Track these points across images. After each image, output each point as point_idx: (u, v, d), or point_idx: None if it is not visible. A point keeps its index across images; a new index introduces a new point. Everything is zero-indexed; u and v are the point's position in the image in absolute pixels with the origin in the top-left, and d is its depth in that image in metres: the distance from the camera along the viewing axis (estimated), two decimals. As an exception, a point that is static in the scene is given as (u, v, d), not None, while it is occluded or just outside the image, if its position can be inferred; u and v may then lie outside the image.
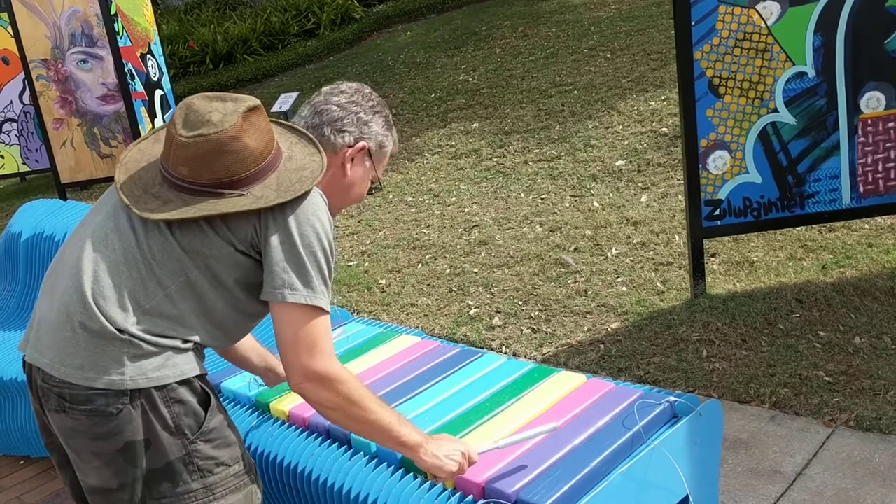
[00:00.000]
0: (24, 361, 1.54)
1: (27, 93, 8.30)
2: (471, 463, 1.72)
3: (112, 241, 1.50)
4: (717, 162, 3.44)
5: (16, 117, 8.79)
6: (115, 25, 6.35)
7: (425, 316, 4.09)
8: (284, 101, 4.06)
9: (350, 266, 4.96)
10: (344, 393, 1.54)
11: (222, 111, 1.49)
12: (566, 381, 2.19)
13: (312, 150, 1.63)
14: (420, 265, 4.78)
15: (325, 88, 1.80)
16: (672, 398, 2.02)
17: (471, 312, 4.02)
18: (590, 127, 6.75)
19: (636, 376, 3.19)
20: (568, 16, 10.27)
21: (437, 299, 4.26)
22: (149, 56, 6.91)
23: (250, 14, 13.04)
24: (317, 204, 1.54)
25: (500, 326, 3.83)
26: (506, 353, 3.60)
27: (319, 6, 12.73)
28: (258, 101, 1.57)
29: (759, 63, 3.35)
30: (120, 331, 1.44)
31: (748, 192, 3.47)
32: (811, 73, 3.36)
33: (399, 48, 11.13)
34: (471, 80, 9.02)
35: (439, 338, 3.80)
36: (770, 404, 2.88)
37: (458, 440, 1.73)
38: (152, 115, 6.79)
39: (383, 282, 4.62)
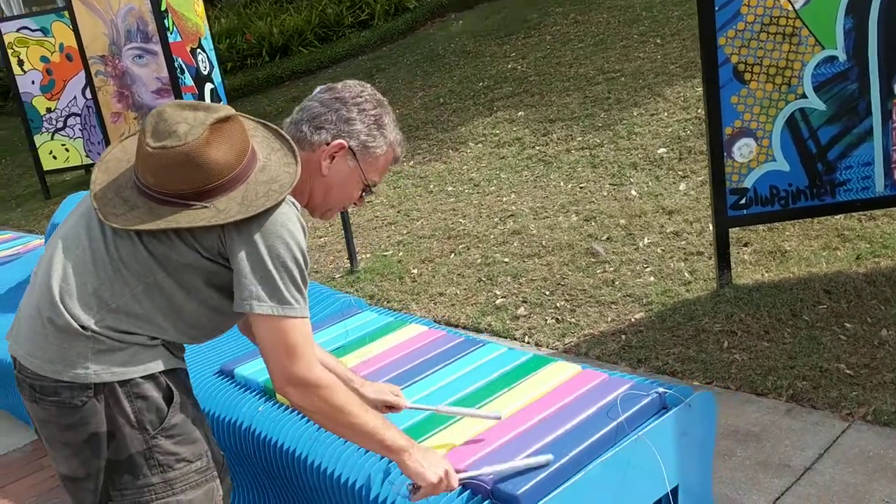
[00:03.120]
0: None
1: (89, 88, 8.59)
2: (448, 485, 1.70)
3: (83, 241, 1.55)
4: (743, 150, 3.37)
5: (79, 111, 9.11)
6: (166, 21, 6.53)
7: (452, 305, 4.12)
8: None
9: (385, 256, 5.02)
10: (326, 398, 1.55)
11: (190, 122, 1.50)
12: (560, 371, 2.20)
13: (289, 161, 1.61)
14: (453, 255, 4.81)
15: (324, 85, 1.76)
16: (661, 389, 2.01)
17: (497, 302, 4.04)
18: (634, 114, 6.66)
19: (654, 367, 3.16)
20: (620, 1, 10.11)
21: (465, 289, 4.29)
22: (199, 50, 7.09)
23: (306, 6, 13.20)
24: (285, 214, 1.53)
25: (524, 316, 3.84)
26: (528, 342, 3.61)
27: (374, -3, 12.81)
28: (232, 112, 1.56)
29: (786, 48, 3.26)
30: (83, 327, 1.50)
31: (775, 180, 3.40)
32: (842, 56, 3.26)
33: (450, 37, 11.14)
34: (519, 67, 8.98)
35: (464, 327, 3.84)
36: (787, 397, 2.82)
37: (443, 458, 1.72)
38: (202, 108, 6.97)
39: (415, 271, 4.67)
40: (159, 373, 1.56)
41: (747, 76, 3.29)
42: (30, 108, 9.07)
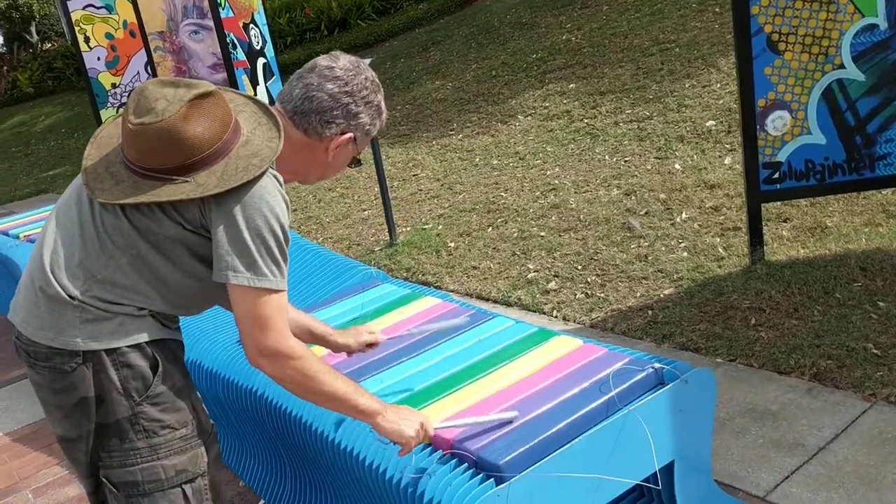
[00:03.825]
0: None
1: (149, 64, 8.82)
2: (426, 434, 1.77)
3: (72, 214, 1.62)
4: (777, 122, 3.28)
5: (142, 87, 9.36)
6: (218, -3, 6.65)
7: (485, 279, 4.14)
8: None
9: (424, 229, 5.06)
10: (297, 368, 1.59)
11: (169, 99, 1.54)
12: (562, 345, 2.21)
13: (273, 136, 1.64)
14: (490, 228, 4.82)
15: (322, 63, 1.72)
16: (657, 365, 2.00)
17: (529, 276, 4.04)
18: (686, 86, 6.51)
19: (678, 343, 3.13)
20: (682, -32, 9.84)
21: (499, 263, 4.30)
22: (251, 26, 7.20)
23: (365, -21, 13.24)
24: (265, 188, 1.57)
25: (554, 291, 3.84)
26: (556, 317, 3.61)
27: (432, -32, 12.76)
28: (212, 88, 1.60)
29: (823, 16, 3.15)
30: (71, 297, 1.57)
31: (811, 153, 3.30)
32: (883, 24, 3.13)
33: (507, 8, 11.03)
34: (573, 39, 8.86)
35: (494, 301, 3.86)
36: (810, 376, 2.77)
37: (417, 412, 1.77)
38: (254, 83, 7.10)
39: (452, 245, 4.70)
40: (146, 343, 1.62)
41: (781, 46, 3.20)
42: (96, 84, 9.37)
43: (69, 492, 2.98)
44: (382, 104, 1.78)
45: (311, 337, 2.06)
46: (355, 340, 2.12)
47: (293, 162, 1.70)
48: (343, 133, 1.71)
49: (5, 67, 20.30)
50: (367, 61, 4.55)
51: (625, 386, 1.94)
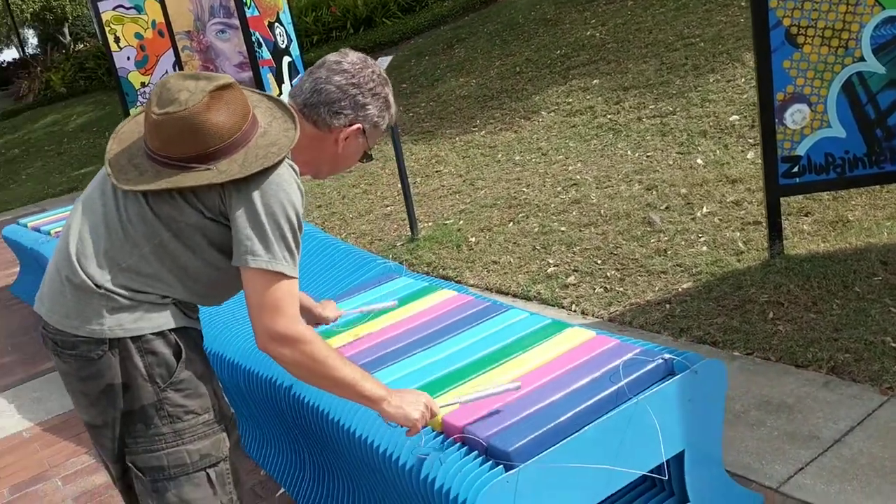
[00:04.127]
0: None
1: (177, 63, 8.94)
2: (432, 413, 1.81)
3: (97, 206, 1.68)
4: (796, 116, 3.27)
5: (170, 86, 9.50)
6: (243, -4, 6.73)
7: (505, 273, 4.17)
8: (380, 64, 4.22)
9: (446, 224, 5.10)
10: (307, 352, 1.63)
11: (191, 90, 1.60)
12: (574, 337, 2.23)
13: (289, 127, 1.70)
14: (511, 223, 4.84)
15: (331, 58, 1.80)
16: (667, 356, 2.02)
17: (549, 271, 4.07)
18: (710, 81, 6.48)
19: (696, 337, 3.14)
20: (708, -37, 9.78)
21: (519, 257, 4.32)
22: (277, 24, 7.29)
23: (390, -23, 13.30)
24: (282, 176, 1.62)
25: (573, 285, 3.86)
26: (574, 311, 3.63)
27: (457, -34, 12.79)
28: (231, 80, 1.66)
29: (842, 9, 3.14)
30: (97, 286, 1.62)
31: (830, 147, 3.29)
32: (904, 17, 3.11)
33: (531, 5, 11.03)
34: (598, 35, 8.84)
35: (514, 296, 3.89)
36: (827, 369, 2.76)
37: (420, 392, 1.82)
38: (279, 81, 7.18)
39: (473, 240, 4.73)
40: (169, 330, 1.67)
41: (800, 40, 3.19)
42: (126, 83, 9.52)
43: (97, 479, 3.07)
44: (390, 98, 1.82)
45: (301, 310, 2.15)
46: (333, 313, 2.33)
47: (304, 154, 1.75)
48: (351, 124, 1.76)
49: (39, 68, 20.67)
50: (388, 59, 4.58)
51: (634, 376, 1.96)
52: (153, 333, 1.64)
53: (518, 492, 1.72)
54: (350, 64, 1.77)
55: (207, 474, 1.71)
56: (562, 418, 1.84)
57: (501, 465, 1.75)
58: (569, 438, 1.80)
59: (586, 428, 1.84)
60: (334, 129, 1.76)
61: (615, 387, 1.93)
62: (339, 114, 1.75)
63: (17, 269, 6.21)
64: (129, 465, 1.70)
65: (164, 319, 1.66)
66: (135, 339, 1.63)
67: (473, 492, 1.70)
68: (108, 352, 1.62)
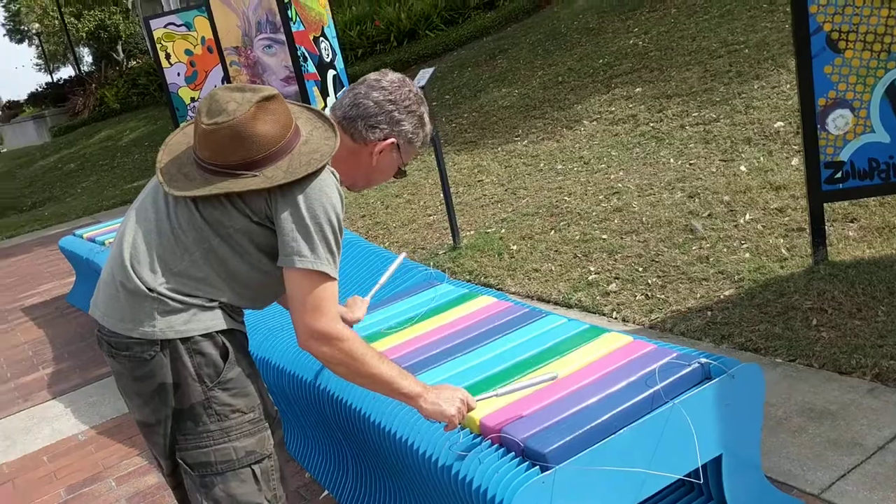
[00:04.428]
0: None
1: (225, 78, 9.16)
2: (469, 408, 1.86)
3: (149, 213, 1.77)
4: (838, 121, 3.25)
5: (218, 100, 9.73)
6: (289, 12, 6.88)
7: (546, 281, 4.19)
8: (422, 77, 4.29)
9: (488, 233, 5.14)
10: (346, 350, 1.70)
11: (238, 101, 1.68)
12: (611, 341, 2.26)
13: (329, 136, 1.79)
14: (553, 231, 4.87)
15: (372, 76, 1.91)
16: (703, 360, 2.03)
17: (590, 278, 4.08)
18: (755, 87, 6.43)
19: (737, 344, 3.13)
20: (753, -32, 9.69)
21: (560, 265, 4.35)
22: (322, 39, 7.43)
23: (433, -10, 13.43)
24: (325, 181, 1.71)
25: (615, 292, 3.86)
26: (615, 318, 3.64)
27: (499, -23, 12.88)
28: (275, 91, 1.74)
29: (885, 13, 3.11)
30: (150, 290, 1.70)
31: (874, 152, 3.25)
32: (949, 20, 3.07)
33: (574, 14, 11.05)
34: (641, 43, 8.82)
35: (555, 303, 3.91)
36: (871, 376, 2.74)
37: (457, 388, 1.87)
38: (324, 94, 7.31)
39: (515, 248, 4.77)
40: (216, 332, 1.75)
41: (842, 45, 3.17)
42: (176, 98, 9.78)
43: (149, 480, 3.17)
44: (426, 117, 1.91)
45: None
46: (361, 313, 2.33)
47: (342, 166, 1.84)
48: (386, 138, 1.85)
49: (94, 85, 21.28)
50: (431, 71, 4.65)
51: (670, 380, 1.98)
52: (201, 335, 1.72)
53: (554, 492, 1.75)
54: (389, 82, 1.88)
55: (253, 470, 1.77)
56: (598, 421, 1.87)
57: (538, 466, 1.79)
58: (604, 441, 1.83)
59: (622, 431, 1.86)
60: (370, 142, 1.86)
61: (651, 390, 1.95)
62: (375, 128, 1.84)
63: (73, 278, 6.41)
64: (179, 461, 1.77)
65: (212, 322, 1.74)
66: (184, 340, 1.70)
67: (510, 492, 1.73)
68: (160, 352, 1.70)
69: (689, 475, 1.97)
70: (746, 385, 2.04)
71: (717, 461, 2.05)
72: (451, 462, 1.91)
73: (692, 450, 1.95)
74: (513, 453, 1.86)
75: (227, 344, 1.76)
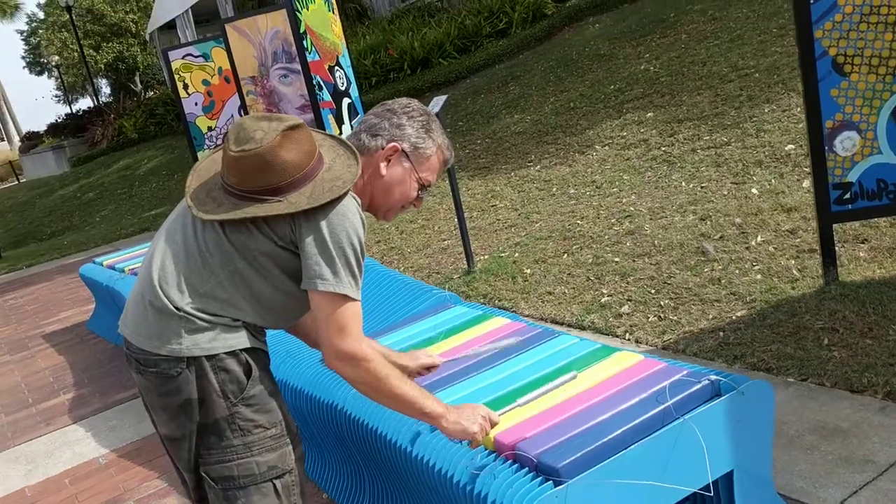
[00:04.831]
0: None
1: (242, 108, 9.31)
2: (492, 423, 1.91)
3: (178, 235, 1.84)
4: (846, 143, 3.30)
5: (235, 129, 9.89)
6: (304, 42, 7.02)
7: (559, 304, 4.24)
8: (436, 104, 4.38)
9: (501, 257, 5.20)
10: (370, 370, 1.76)
11: (265, 130, 1.76)
12: (623, 360, 2.30)
13: (351, 163, 1.86)
14: (566, 255, 4.92)
15: (379, 103, 2.03)
16: (713, 377, 2.07)
17: (602, 300, 4.12)
18: (766, 111, 6.49)
19: (749, 364, 3.16)
20: (762, -6, 9.80)
21: (573, 288, 4.39)
22: (336, 68, 7.56)
23: (446, 19, 13.62)
24: (347, 206, 1.77)
25: (627, 314, 3.90)
26: (628, 339, 3.67)
27: (511, 6, 13.06)
28: (300, 121, 1.83)
29: (889, 37, 3.17)
30: (178, 309, 1.77)
31: (882, 173, 3.29)
32: (953, 43, 3.12)
33: (586, 41, 11.17)
34: (652, 68, 8.91)
35: (568, 325, 3.95)
36: (883, 394, 2.76)
37: (478, 405, 1.91)
38: (339, 122, 7.43)
39: (528, 271, 4.82)
40: (240, 350, 1.81)
41: (847, 68, 3.22)
42: (193, 128, 9.94)
43: (169, 503, 3.21)
44: (433, 126, 1.96)
45: None
46: (414, 363, 2.23)
47: (358, 184, 1.89)
48: (389, 142, 1.91)
49: (112, 115, 21.62)
50: (444, 98, 4.74)
51: (681, 396, 2.02)
52: (226, 353, 1.78)
53: (567, 506, 1.79)
54: (394, 101, 1.98)
55: (274, 485, 1.82)
56: (610, 436, 1.91)
57: (551, 481, 1.83)
58: (616, 456, 1.87)
59: (634, 446, 1.90)
60: (374, 152, 1.91)
61: (662, 407, 1.99)
62: (376, 135, 1.92)
63: (93, 305, 6.51)
64: (203, 475, 1.82)
65: (236, 340, 1.80)
66: (209, 357, 1.77)
67: (524, 506, 1.78)
68: (186, 369, 1.76)
69: (700, 490, 2.00)
70: (756, 401, 2.07)
71: (729, 477, 2.08)
72: (467, 478, 1.96)
73: (703, 465, 1.99)
74: (526, 468, 1.91)
75: (251, 362, 1.82)
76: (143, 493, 3.34)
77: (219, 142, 9.95)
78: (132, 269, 5.29)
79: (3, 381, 5.44)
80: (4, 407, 4.89)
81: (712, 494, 2.05)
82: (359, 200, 1.83)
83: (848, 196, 3.34)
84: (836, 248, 3.81)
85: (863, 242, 3.91)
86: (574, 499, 1.80)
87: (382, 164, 1.92)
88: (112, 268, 5.60)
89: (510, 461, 1.94)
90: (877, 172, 3.30)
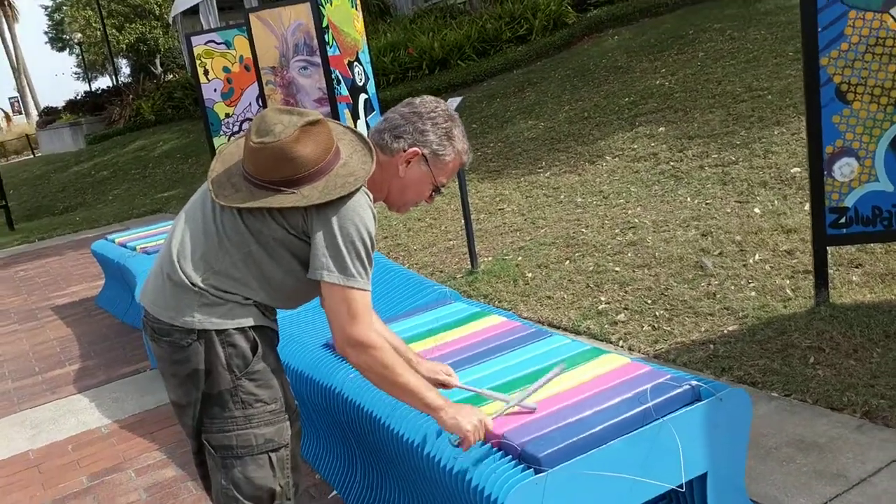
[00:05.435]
0: None
1: (260, 97, 9.43)
2: (486, 429, 1.99)
3: (198, 215, 1.95)
4: (844, 169, 3.39)
5: (252, 117, 10.01)
6: (326, 36, 7.14)
7: (557, 308, 4.34)
8: (450, 105, 4.49)
9: (505, 259, 5.30)
10: (378, 358, 1.86)
11: (285, 124, 1.86)
12: (611, 361, 2.41)
13: (366, 160, 1.94)
14: (568, 262, 5.02)
15: (407, 99, 2.08)
16: (695, 382, 2.17)
17: (600, 308, 4.22)
18: (775, 133, 6.58)
19: (736, 377, 3.25)
20: (782, 17, 9.88)
21: (572, 293, 4.49)
22: (356, 63, 7.68)
23: (468, 21, 13.73)
24: (358, 202, 1.86)
25: (623, 322, 4.00)
26: (622, 346, 3.77)
27: (533, 13, 13.15)
28: (320, 116, 1.91)
29: (892, 68, 3.26)
30: (193, 284, 1.88)
31: (878, 200, 3.39)
32: (954, 78, 3.22)
33: (604, 52, 11.26)
34: (667, 84, 9.00)
35: (564, 329, 4.06)
36: (861, 413, 2.85)
37: (477, 409, 2.01)
38: (355, 117, 7.54)
39: (530, 275, 4.92)
40: (249, 327, 1.92)
41: (850, 96, 3.32)
42: (211, 114, 10.07)
43: (167, 473, 3.33)
44: (455, 132, 2.02)
45: None
46: (430, 374, 2.23)
47: (376, 180, 1.99)
48: (411, 147, 1.98)
49: (131, 96, 21.80)
50: (458, 100, 4.83)
51: (662, 399, 2.12)
52: (235, 329, 1.89)
53: (546, 494, 1.90)
54: (419, 101, 2.03)
55: (270, 457, 1.93)
56: (591, 431, 2.02)
57: (532, 469, 1.93)
58: (596, 449, 1.97)
59: (614, 442, 2.00)
60: (396, 153, 1.99)
61: (643, 407, 2.09)
62: (399, 137, 1.98)
63: (102, 281, 6.64)
64: (204, 441, 1.94)
65: (246, 318, 1.91)
66: (219, 332, 1.88)
67: (504, 491, 1.88)
68: (196, 341, 1.87)
69: (676, 488, 2.10)
70: (734, 408, 2.17)
71: (703, 479, 2.18)
72: (453, 462, 2.06)
73: (679, 465, 2.09)
74: (510, 456, 2.01)
75: (258, 339, 1.93)
76: (142, 464, 3.46)
77: (235, 129, 10.08)
78: (143, 248, 5.41)
79: (12, 349, 5.58)
80: (12, 373, 5.02)
81: (684, 490, 2.15)
82: (370, 195, 1.93)
83: (843, 220, 3.43)
84: (831, 271, 3.90)
85: (857, 267, 4.00)
86: (553, 487, 1.90)
87: (402, 166, 2.00)
88: (124, 245, 5.72)
89: (496, 448, 2.05)
90: (872, 199, 3.39)
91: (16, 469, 3.62)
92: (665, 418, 2.07)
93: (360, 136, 2.04)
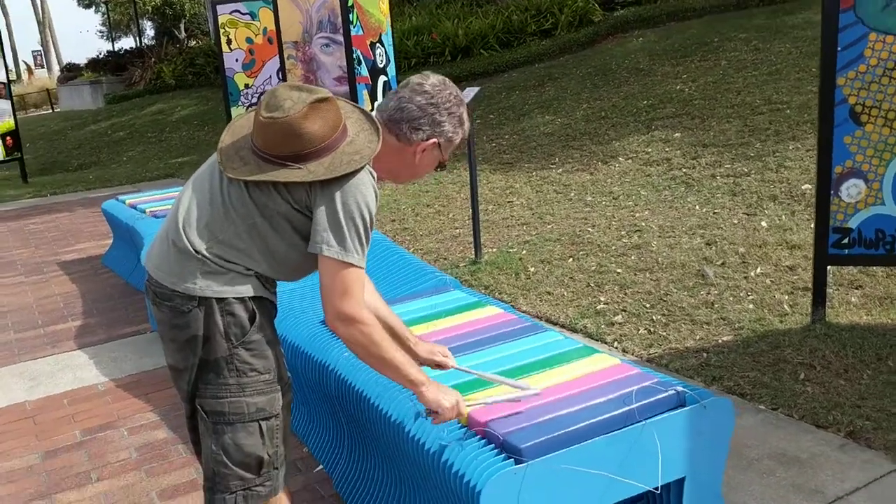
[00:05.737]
0: None
1: (281, 70, 9.45)
2: (459, 412, 2.04)
3: (205, 185, 1.99)
4: (851, 190, 3.41)
5: (271, 90, 10.05)
6: (351, 15, 7.16)
7: (556, 304, 4.37)
8: (467, 95, 4.52)
9: (509, 252, 5.33)
10: (366, 333, 1.91)
11: (294, 100, 1.89)
12: (600, 361, 2.44)
13: (373, 139, 1.98)
14: (571, 259, 5.05)
15: (414, 80, 2.06)
16: (680, 388, 2.21)
17: (598, 307, 4.25)
18: (790, 148, 6.58)
19: (726, 387, 3.29)
20: (808, 32, 9.84)
21: (573, 291, 4.52)
22: (378, 45, 7.69)
23: (493, 11, 13.70)
24: (361, 179, 1.90)
25: (619, 324, 4.03)
26: (616, 347, 3.81)
27: (559, 7, 13.11)
28: (329, 94, 1.95)
29: (908, 94, 3.27)
30: (197, 251, 1.92)
31: (882, 224, 3.40)
32: (968, 109, 3.22)
33: (627, 53, 11.24)
34: (686, 90, 8.99)
35: (561, 326, 4.09)
36: (845, 433, 2.88)
37: (455, 391, 2.06)
38: (373, 98, 7.57)
39: (532, 269, 4.95)
40: (248, 298, 1.96)
41: (864, 118, 3.33)
42: (231, 83, 10.10)
43: (158, 434, 3.39)
44: (464, 115, 2.08)
45: (390, 334, 2.28)
46: (427, 355, 2.29)
47: (386, 162, 2.03)
48: (429, 139, 2.02)
49: (153, 59, 21.82)
50: (475, 90, 4.85)
51: (646, 401, 2.16)
52: (235, 298, 1.93)
53: (524, 484, 1.94)
54: (431, 86, 2.03)
55: (260, 426, 1.98)
56: (574, 427, 2.05)
57: (513, 459, 1.98)
58: (577, 445, 2.01)
59: (595, 439, 2.04)
60: (413, 142, 2.03)
61: (627, 408, 2.13)
62: (418, 129, 2.02)
63: (111, 241, 6.70)
64: (198, 406, 1.98)
65: (246, 288, 1.95)
66: (219, 300, 1.92)
67: (484, 478, 1.92)
68: (196, 308, 1.91)
69: (652, 489, 2.14)
70: (716, 417, 2.21)
71: (681, 483, 2.22)
72: (437, 448, 2.11)
73: (657, 467, 2.13)
74: (493, 445, 2.05)
75: (256, 310, 1.97)
76: (135, 423, 3.52)
77: (253, 100, 10.10)
78: (153, 211, 5.46)
79: (16, 301, 5.65)
80: (14, 324, 5.09)
81: (660, 492, 2.19)
82: (374, 173, 1.97)
83: (846, 241, 3.45)
84: (831, 291, 3.93)
85: (857, 288, 4.02)
86: (532, 478, 1.94)
87: (419, 155, 2.04)
88: (134, 207, 5.77)
89: (480, 437, 2.09)
90: (877, 223, 3.41)
91: (12, 418, 3.68)
92: (648, 421, 2.10)
93: (367, 114, 2.07)
